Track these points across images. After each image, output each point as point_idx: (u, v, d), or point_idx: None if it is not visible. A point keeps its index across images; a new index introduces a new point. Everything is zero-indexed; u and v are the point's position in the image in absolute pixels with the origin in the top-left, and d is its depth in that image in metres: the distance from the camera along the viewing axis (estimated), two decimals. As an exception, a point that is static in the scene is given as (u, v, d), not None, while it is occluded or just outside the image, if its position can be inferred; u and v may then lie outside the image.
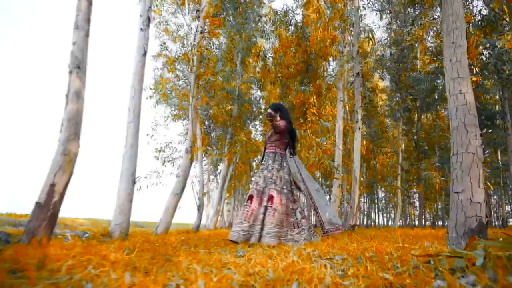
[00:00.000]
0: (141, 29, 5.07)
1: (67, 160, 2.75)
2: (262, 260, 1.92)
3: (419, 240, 2.99)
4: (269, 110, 3.90)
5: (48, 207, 2.64)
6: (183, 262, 1.78)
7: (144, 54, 5.01)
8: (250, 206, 3.49)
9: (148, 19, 5.16)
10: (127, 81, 5.12)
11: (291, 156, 4.19)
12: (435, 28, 12.89)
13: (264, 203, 3.48)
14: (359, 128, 6.90)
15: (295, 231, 3.50)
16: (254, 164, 19.03)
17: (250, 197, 3.58)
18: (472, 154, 2.58)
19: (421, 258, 1.60)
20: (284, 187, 3.64)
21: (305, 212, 3.94)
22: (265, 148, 4.03)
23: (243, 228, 3.38)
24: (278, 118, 4.00)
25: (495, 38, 7.08)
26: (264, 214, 3.43)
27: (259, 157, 4.31)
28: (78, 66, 2.91)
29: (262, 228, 3.37)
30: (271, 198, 3.51)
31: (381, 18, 8.18)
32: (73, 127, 2.81)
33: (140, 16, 5.14)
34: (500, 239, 2.40)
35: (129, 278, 1.23)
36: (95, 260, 1.56)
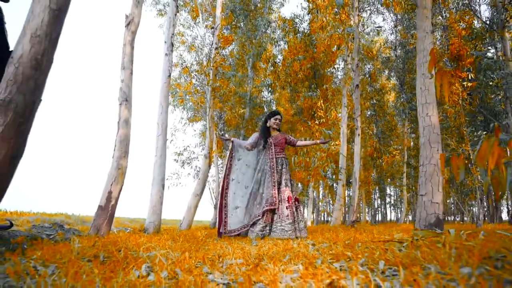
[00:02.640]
0: (165, 54, 5.88)
1: (120, 173, 3.58)
2: (270, 246, 2.71)
3: (395, 232, 3.74)
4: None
5: (108, 209, 3.47)
6: (214, 247, 2.58)
7: (169, 75, 5.83)
8: (291, 207, 4.21)
9: (172, 45, 5.96)
10: (150, 97, 5.96)
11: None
12: (439, 31, 13.44)
13: (294, 204, 4.23)
14: (359, 135, 7.62)
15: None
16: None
17: (290, 199, 4.21)
18: (434, 165, 3.31)
19: (375, 243, 2.36)
20: (288, 186, 4.42)
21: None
22: (276, 151, 4.54)
23: (260, 229, 4.12)
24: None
25: (483, 50, 7.71)
26: (297, 212, 4.21)
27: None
28: (126, 99, 3.73)
29: (298, 224, 4.18)
30: (297, 199, 4.29)
31: (378, 34, 8.84)
32: (123, 148, 3.63)
33: (165, 42, 5.95)
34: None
35: (188, 254, 2.02)
36: (159, 244, 2.37)
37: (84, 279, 1.19)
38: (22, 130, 1.96)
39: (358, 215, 17.06)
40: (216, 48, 7.94)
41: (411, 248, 1.92)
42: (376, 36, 12.49)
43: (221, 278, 1.38)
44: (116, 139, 3.66)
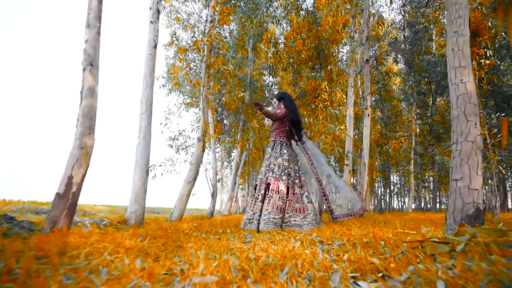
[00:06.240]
0: (151, 21, 5.17)
1: (83, 153, 2.93)
2: (266, 245, 2.06)
3: (421, 225, 3.09)
4: (261, 102, 4.10)
5: (67, 198, 2.82)
6: (192, 248, 1.94)
7: (155, 46, 5.13)
8: (254, 196, 3.69)
9: (158, 12, 5.25)
10: (138, 72, 5.28)
11: (298, 143, 4.26)
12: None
13: (262, 191, 3.65)
14: (369, 115, 6.92)
15: (300, 216, 3.65)
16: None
17: (255, 187, 3.80)
18: (471, 142, 2.64)
19: (410, 244, 1.71)
20: (283, 174, 3.75)
21: (312, 197, 4.01)
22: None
23: (248, 217, 3.59)
24: (282, 106, 4.12)
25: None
26: (263, 201, 3.61)
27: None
28: (91, 63, 3.05)
29: (260, 215, 3.56)
30: (268, 185, 3.67)
31: (391, 3, 8.08)
32: (88, 122, 2.97)
33: (150, 8, 5.23)
34: (501, 225, 2.49)
35: (140, 263, 1.38)
36: (111, 247, 1.73)
37: None
38: None
39: (370, 203, 16.44)
40: (211, 21, 7.20)
41: (476, 255, 1.28)
42: (387, 6, 11.58)
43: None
44: (78, 112, 3.00)
